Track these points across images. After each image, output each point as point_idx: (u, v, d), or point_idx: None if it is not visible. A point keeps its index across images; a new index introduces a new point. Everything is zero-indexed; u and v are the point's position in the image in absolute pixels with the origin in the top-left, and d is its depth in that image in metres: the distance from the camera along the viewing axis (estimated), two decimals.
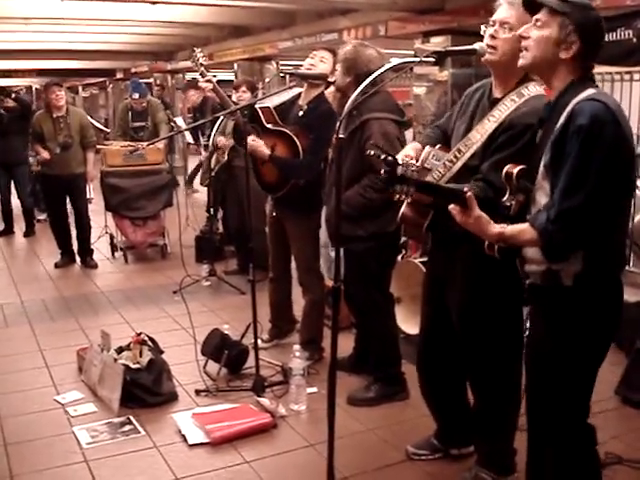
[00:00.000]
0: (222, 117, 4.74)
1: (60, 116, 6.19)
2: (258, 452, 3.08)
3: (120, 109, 7.99)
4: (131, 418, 3.36)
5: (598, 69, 5.15)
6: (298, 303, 4.30)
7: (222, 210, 6.58)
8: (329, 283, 4.07)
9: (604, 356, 2.12)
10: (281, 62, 10.94)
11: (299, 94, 3.94)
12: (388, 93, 3.53)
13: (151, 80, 14.73)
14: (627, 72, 5.22)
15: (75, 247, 6.57)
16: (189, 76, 13.27)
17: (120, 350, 3.66)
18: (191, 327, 4.03)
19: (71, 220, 6.55)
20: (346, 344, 3.83)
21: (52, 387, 3.75)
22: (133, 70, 15.92)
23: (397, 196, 2.03)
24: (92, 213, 6.63)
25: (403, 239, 3.90)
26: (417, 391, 3.09)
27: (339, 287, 2.33)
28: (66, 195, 6.37)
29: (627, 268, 4.53)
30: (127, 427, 3.29)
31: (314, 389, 3.62)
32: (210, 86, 4.03)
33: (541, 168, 2.03)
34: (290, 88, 3.99)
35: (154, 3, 7.33)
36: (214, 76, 4.12)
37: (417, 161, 2.44)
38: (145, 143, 5.32)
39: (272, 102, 4.02)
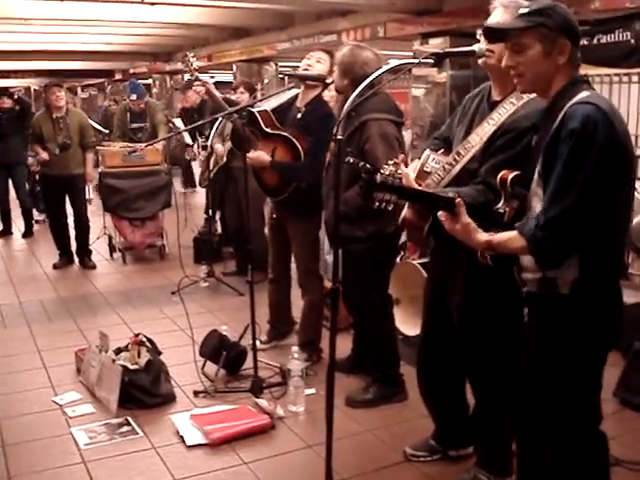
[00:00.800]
0: (220, 118, 4.73)
1: (60, 117, 6.19)
2: (256, 453, 3.08)
3: (118, 110, 7.99)
4: (129, 419, 3.36)
5: (597, 71, 5.20)
6: (296, 305, 4.31)
7: (220, 211, 6.58)
8: (328, 284, 4.06)
9: (604, 363, 2.08)
10: (280, 63, 10.96)
11: (296, 96, 3.93)
12: (387, 94, 3.53)
13: (150, 81, 14.74)
14: (625, 74, 5.22)
15: (74, 248, 6.57)
16: (188, 77, 13.27)
17: (118, 351, 3.65)
18: (189, 328, 4.02)
19: (70, 221, 6.55)
20: (344, 345, 3.83)
21: (50, 388, 3.75)
22: (132, 71, 15.93)
23: (377, 204, 2.02)
24: (90, 214, 6.62)
25: (402, 240, 3.90)
26: (415, 392, 3.09)
27: (337, 288, 2.34)
28: (65, 196, 6.37)
29: (630, 271, 4.51)
30: (125, 428, 3.28)
31: (312, 390, 3.62)
32: (204, 89, 4.01)
33: (535, 174, 1.99)
34: (289, 89, 3.99)
35: (153, 4, 7.36)
36: (212, 77, 4.11)
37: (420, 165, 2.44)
38: (144, 144, 5.32)
39: (269, 105, 4.01)
